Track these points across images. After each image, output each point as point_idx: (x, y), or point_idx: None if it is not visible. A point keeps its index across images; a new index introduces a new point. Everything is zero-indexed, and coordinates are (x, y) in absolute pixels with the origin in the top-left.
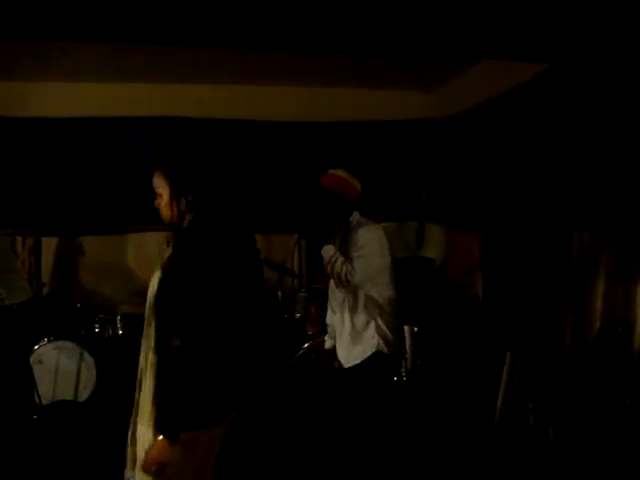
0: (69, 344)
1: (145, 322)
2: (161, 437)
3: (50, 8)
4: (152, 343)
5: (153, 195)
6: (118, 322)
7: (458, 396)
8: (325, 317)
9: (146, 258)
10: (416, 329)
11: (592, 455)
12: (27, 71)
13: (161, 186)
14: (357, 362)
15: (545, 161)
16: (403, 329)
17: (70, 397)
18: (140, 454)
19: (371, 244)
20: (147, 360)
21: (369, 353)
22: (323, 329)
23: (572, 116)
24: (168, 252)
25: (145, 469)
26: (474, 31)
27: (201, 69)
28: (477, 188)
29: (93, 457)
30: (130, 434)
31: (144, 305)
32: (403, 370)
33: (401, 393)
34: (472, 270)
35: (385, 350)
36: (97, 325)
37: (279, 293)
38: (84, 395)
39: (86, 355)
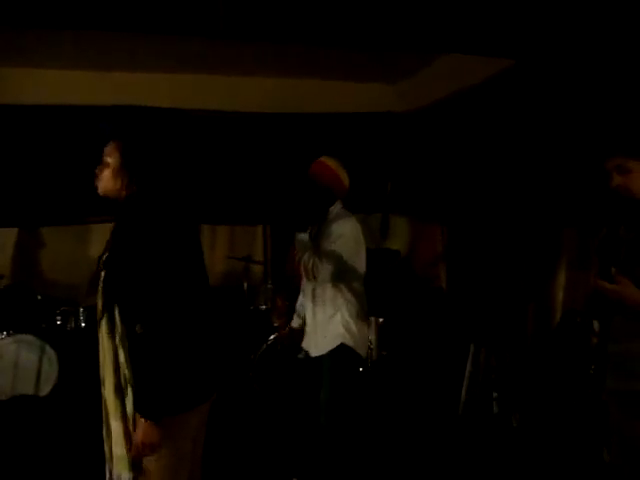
0: (29, 337)
1: (97, 313)
2: (143, 420)
3: None
4: (105, 331)
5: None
6: (81, 314)
7: (423, 387)
8: (290, 308)
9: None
10: (381, 320)
11: (554, 443)
12: None
13: (112, 155)
14: (323, 353)
15: (505, 154)
16: (367, 325)
17: (30, 392)
18: (115, 450)
19: (344, 238)
20: (104, 351)
21: (334, 345)
22: (289, 320)
23: (532, 112)
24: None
25: (136, 455)
26: (439, 24)
27: (167, 58)
28: (442, 180)
29: (54, 453)
30: (104, 431)
31: None
32: (368, 361)
33: (366, 384)
34: (436, 262)
35: (350, 343)
36: (59, 317)
37: (245, 285)
38: (45, 390)
39: (47, 348)
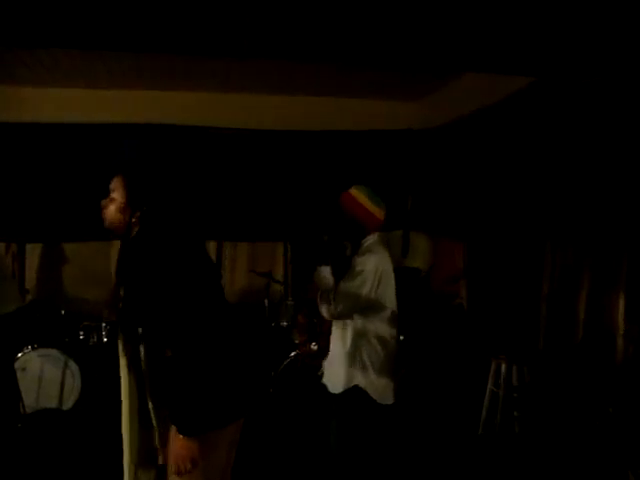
0: (53, 352)
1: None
2: (181, 437)
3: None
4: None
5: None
6: (103, 329)
7: (443, 404)
8: (312, 325)
9: None
10: (402, 338)
11: (577, 462)
12: (7, 76)
13: (117, 191)
14: (336, 392)
15: (524, 171)
16: (393, 373)
17: (54, 405)
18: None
19: (364, 275)
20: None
21: (346, 387)
22: (310, 337)
23: (551, 131)
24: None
25: (176, 471)
26: (460, 44)
27: (188, 77)
28: (462, 197)
29: (78, 465)
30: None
31: None
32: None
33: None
34: (457, 279)
35: (365, 388)
36: (82, 332)
37: (266, 301)
38: (69, 403)
39: (71, 363)
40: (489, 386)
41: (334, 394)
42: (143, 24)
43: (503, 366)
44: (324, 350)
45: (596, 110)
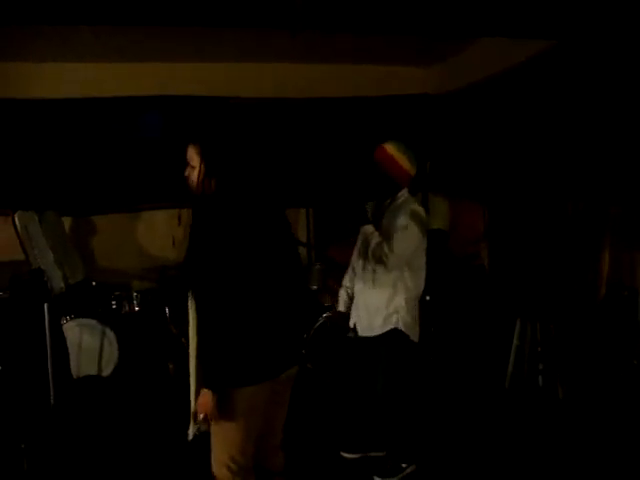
0: (90, 321)
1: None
2: (204, 389)
3: None
4: (191, 304)
5: (164, 173)
6: (134, 298)
7: (470, 361)
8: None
9: (157, 235)
10: (428, 298)
11: (599, 415)
12: (31, 52)
13: (194, 159)
14: (374, 334)
15: (544, 134)
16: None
17: (94, 372)
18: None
19: (411, 228)
20: (191, 320)
21: (387, 328)
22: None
23: (571, 93)
24: (180, 230)
25: (196, 418)
26: (475, 9)
27: (208, 48)
28: (480, 161)
29: (119, 429)
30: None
31: (157, 281)
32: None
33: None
34: (478, 240)
35: (403, 329)
36: (114, 302)
37: None
38: (108, 370)
39: (108, 331)
40: (515, 342)
41: (370, 338)
42: None
43: (528, 324)
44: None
45: (612, 71)
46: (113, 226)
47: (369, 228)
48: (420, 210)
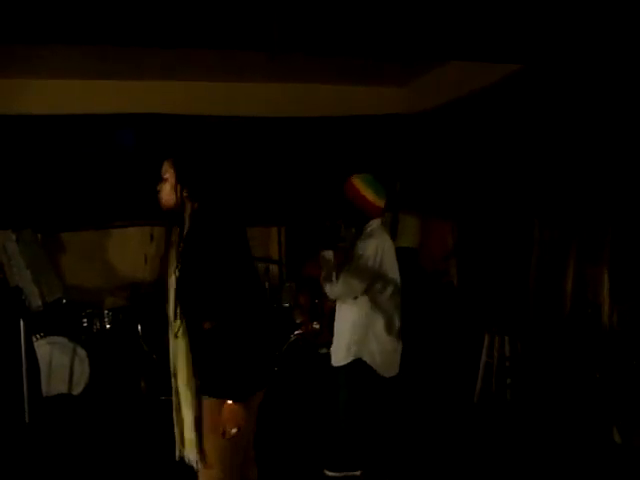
0: (61, 339)
1: (171, 315)
2: (230, 402)
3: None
4: (181, 331)
5: (137, 190)
6: (106, 316)
7: (440, 376)
8: (313, 305)
9: (129, 253)
10: None
11: (564, 427)
12: (7, 68)
13: (168, 172)
14: (338, 364)
15: (510, 153)
16: (396, 347)
17: (64, 390)
18: (186, 434)
19: (363, 259)
20: (177, 348)
21: (349, 359)
22: (312, 317)
23: (537, 116)
24: (152, 247)
25: (225, 436)
26: (445, 33)
27: (183, 67)
28: (450, 179)
29: (89, 446)
30: (175, 418)
31: (129, 298)
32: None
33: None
34: (447, 257)
35: (367, 361)
36: (85, 320)
37: (266, 284)
38: (78, 388)
39: (79, 349)
40: (483, 358)
41: (338, 367)
42: (177, 19)
43: (496, 339)
44: (325, 329)
45: (579, 94)
46: (84, 243)
47: (327, 254)
48: (378, 242)
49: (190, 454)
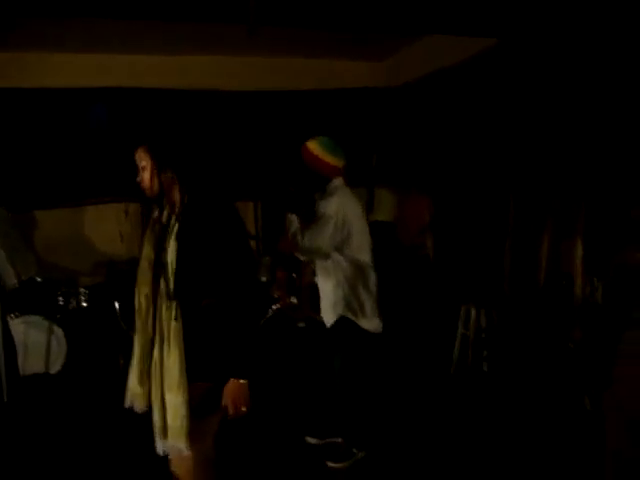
0: (36, 318)
1: (159, 298)
2: (233, 381)
3: None
4: (172, 313)
5: (110, 166)
6: (82, 294)
7: (417, 348)
8: (290, 280)
9: (104, 230)
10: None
11: (539, 397)
12: None
13: (144, 159)
14: (329, 324)
15: (485, 128)
16: (376, 302)
17: (41, 370)
18: (171, 422)
19: (324, 217)
20: (170, 330)
21: (335, 317)
22: (289, 291)
23: (511, 89)
24: (127, 224)
25: (235, 415)
26: (423, 6)
27: (155, 40)
28: (426, 153)
29: (70, 426)
30: (156, 405)
31: (105, 276)
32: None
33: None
34: (423, 231)
35: (352, 317)
36: (60, 298)
37: None
38: (55, 367)
39: (55, 328)
40: (459, 330)
41: (329, 332)
42: None
43: (472, 311)
44: (303, 304)
45: (554, 69)
46: (58, 221)
47: (292, 217)
48: (341, 199)
49: (178, 443)
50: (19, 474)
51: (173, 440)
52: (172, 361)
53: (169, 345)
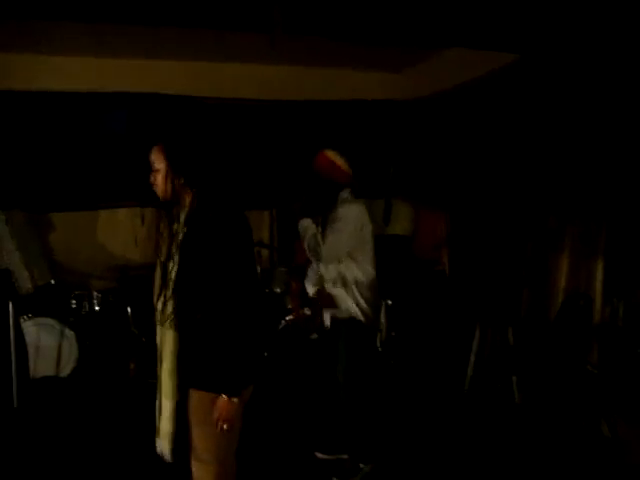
0: (49, 320)
1: (159, 304)
2: (223, 396)
3: None
4: (171, 324)
5: (127, 171)
6: (95, 298)
7: (431, 364)
8: (304, 291)
9: (119, 234)
10: (390, 302)
11: (555, 418)
12: None
13: (159, 161)
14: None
15: (504, 144)
16: (379, 305)
17: (52, 373)
18: (163, 425)
19: (345, 220)
20: (165, 338)
21: (345, 316)
22: (303, 303)
23: (533, 106)
24: (143, 229)
25: (218, 429)
26: (445, 20)
27: (179, 46)
28: (444, 168)
29: (80, 430)
30: (157, 408)
31: (117, 280)
32: (378, 341)
33: (377, 363)
34: (439, 246)
35: (361, 319)
36: (74, 301)
37: (258, 268)
38: (66, 371)
39: (67, 331)
40: (474, 347)
41: (333, 333)
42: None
43: (488, 330)
44: (317, 315)
45: (576, 85)
46: (74, 224)
47: (305, 221)
48: (357, 205)
49: (163, 445)
50: (28, 476)
51: (162, 445)
52: (164, 368)
53: (164, 352)
